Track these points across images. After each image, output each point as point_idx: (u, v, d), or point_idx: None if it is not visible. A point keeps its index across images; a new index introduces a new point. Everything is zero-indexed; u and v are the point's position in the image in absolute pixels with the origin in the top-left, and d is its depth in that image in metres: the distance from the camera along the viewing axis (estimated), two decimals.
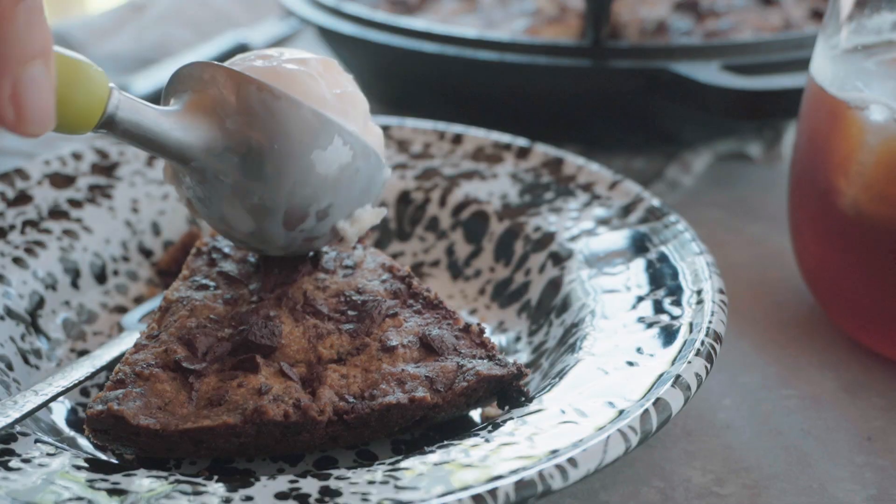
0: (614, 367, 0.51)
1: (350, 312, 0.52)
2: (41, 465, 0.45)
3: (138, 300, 0.63)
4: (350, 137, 0.50)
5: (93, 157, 0.68)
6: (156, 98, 0.89)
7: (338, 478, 0.45)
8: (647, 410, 0.46)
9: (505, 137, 0.71)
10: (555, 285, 0.61)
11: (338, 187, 0.51)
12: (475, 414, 0.54)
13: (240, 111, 0.48)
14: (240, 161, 0.49)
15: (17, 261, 0.60)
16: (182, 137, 0.48)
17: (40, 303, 0.60)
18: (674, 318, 0.54)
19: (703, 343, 0.51)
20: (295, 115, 0.49)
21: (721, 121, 0.82)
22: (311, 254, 0.56)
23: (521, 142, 0.70)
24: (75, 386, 0.51)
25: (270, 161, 0.49)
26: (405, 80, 0.86)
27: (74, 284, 0.62)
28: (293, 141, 0.49)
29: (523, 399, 0.51)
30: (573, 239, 0.62)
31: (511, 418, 0.49)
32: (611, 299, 0.57)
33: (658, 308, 0.55)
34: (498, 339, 0.60)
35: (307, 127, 0.49)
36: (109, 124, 0.46)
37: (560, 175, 0.67)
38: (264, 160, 0.49)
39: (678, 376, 0.48)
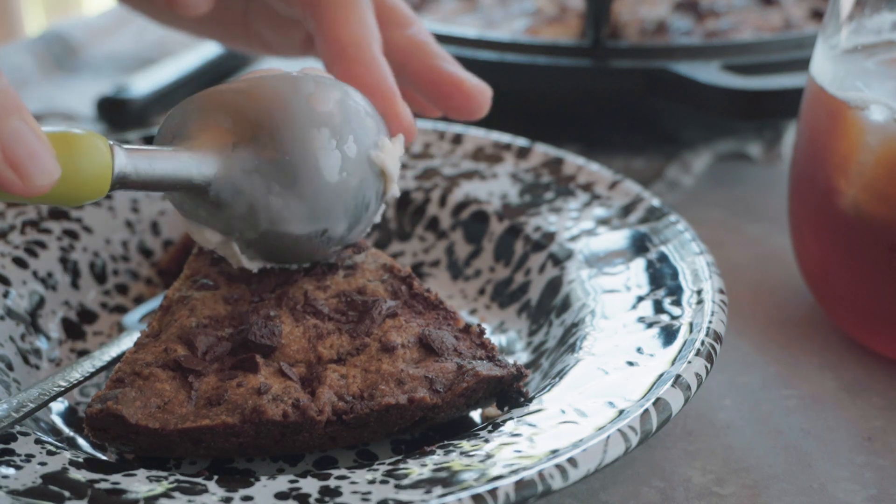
0: (614, 367, 0.51)
1: (350, 312, 0.52)
2: (41, 465, 0.45)
3: (138, 300, 0.63)
4: (327, 79, 0.51)
5: None
6: (155, 101, 0.90)
7: (338, 478, 0.45)
8: (647, 410, 0.46)
9: (505, 137, 0.71)
10: (555, 285, 0.61)
11: (347, 118, 0.50)
12: (475, 414, 0.54)
13: (230, 112, 0.49)
14: (254, 147, 0.49)
15: (17, 261, 0.60)
16: (196, 167, 0.48)
17: (40, 303, 0.60)
18: (674, 318, 0.54)
19: (703, 343, 0.51)
20: (270, 83, 0.50)
21: (721, 121, 0.82)
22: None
23: (521, 142, 0.70)
24: (75, 386, 0.51)
25: (275, 128, 0.49)
26: None
27: (74, 284, 0.62)
28: (284, 102, 0.49)
29: (522, 400, 0.51)
30: (573, 239, 0.62)
31: (511, 418, 0.49)
32: (611, 299, 0.57)
33: (658, 308, 0.55)
34: (498, 340, 0.60)
35: (285, 84, 0.50)
36: (123, 182, 0.46)
37: (560, 175, 0.67)
38: (271, 131, 0.49)
39: (678, 376, 0.48)
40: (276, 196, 0.49)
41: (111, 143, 0.45)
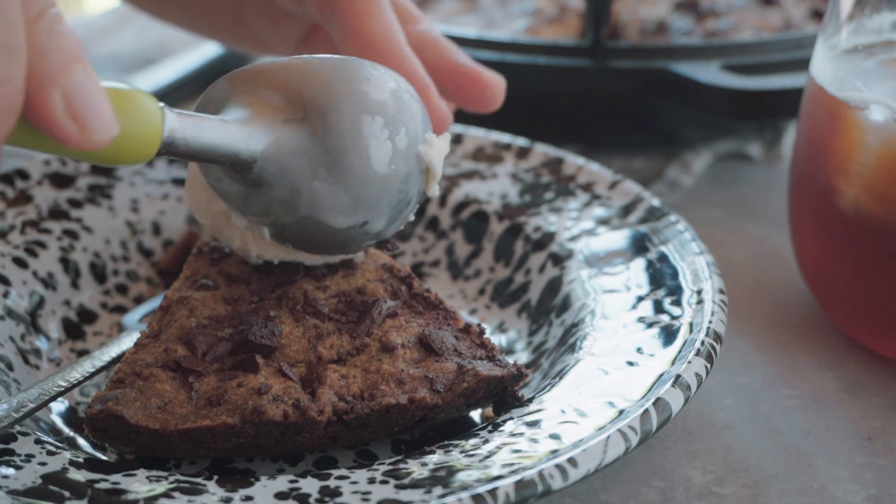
0: (614, 367, 0.51)
1: (350, 312, 0.52)
2: (41, 465, 0.45)
3: (138, 300, 0.63)
4: (382, 67, 0.50)
5: None
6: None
7: (338, 478, 0.45)
8: (647, 410, 0.46)
9: (505, 137, 0.71)
10: (555, 285, 0.61)
11: (400, 109, 0.49)
12: (475, 414, 0.54)
13: (281, 89, 0.48)
14: (305, 127, 0.47)
15: (17, 261, 0.60)
16: (244, 141, 0.46)
17: (40, 303, 0.60)
18: (674, 318, 0.54)
19: (703, 343, 0.51)
20: (326, 63, 0.48)
21: (721, 121, 0.82)
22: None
23: (521, 142, 0.70)
24: (75, 386, 0.51)
25: (329, 111, 0.47)
26: None
27: (74, 284, 0.62)
28: (339, 84, 0.48)
29: (517, 404, 0.51)
30: (573, 239, 0.62)
31: (511, 418, 0.49)
32: (611, 299, 0.57)
33: (658, 308, 0.55)
34: (498, 340, 0.60)
35: (342, 67, 0.48)
36: (170, 147, 0.43)
37: (560, 175, 0.67)
38: (324, 113, 0.47)
39: (678, 376, 0.48)
40: (322, 181, 0.48)
41: (161, 105, 0.43)
